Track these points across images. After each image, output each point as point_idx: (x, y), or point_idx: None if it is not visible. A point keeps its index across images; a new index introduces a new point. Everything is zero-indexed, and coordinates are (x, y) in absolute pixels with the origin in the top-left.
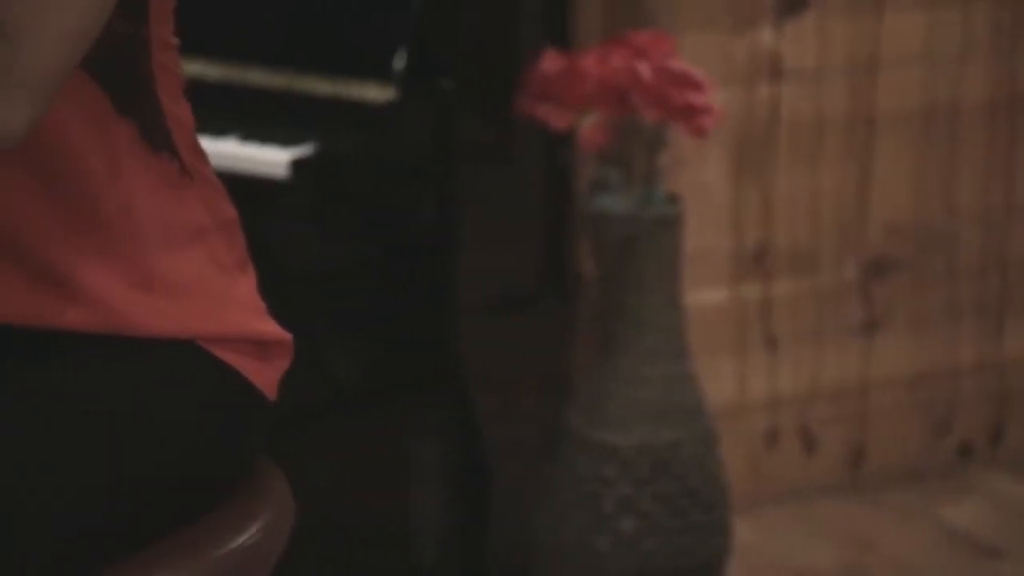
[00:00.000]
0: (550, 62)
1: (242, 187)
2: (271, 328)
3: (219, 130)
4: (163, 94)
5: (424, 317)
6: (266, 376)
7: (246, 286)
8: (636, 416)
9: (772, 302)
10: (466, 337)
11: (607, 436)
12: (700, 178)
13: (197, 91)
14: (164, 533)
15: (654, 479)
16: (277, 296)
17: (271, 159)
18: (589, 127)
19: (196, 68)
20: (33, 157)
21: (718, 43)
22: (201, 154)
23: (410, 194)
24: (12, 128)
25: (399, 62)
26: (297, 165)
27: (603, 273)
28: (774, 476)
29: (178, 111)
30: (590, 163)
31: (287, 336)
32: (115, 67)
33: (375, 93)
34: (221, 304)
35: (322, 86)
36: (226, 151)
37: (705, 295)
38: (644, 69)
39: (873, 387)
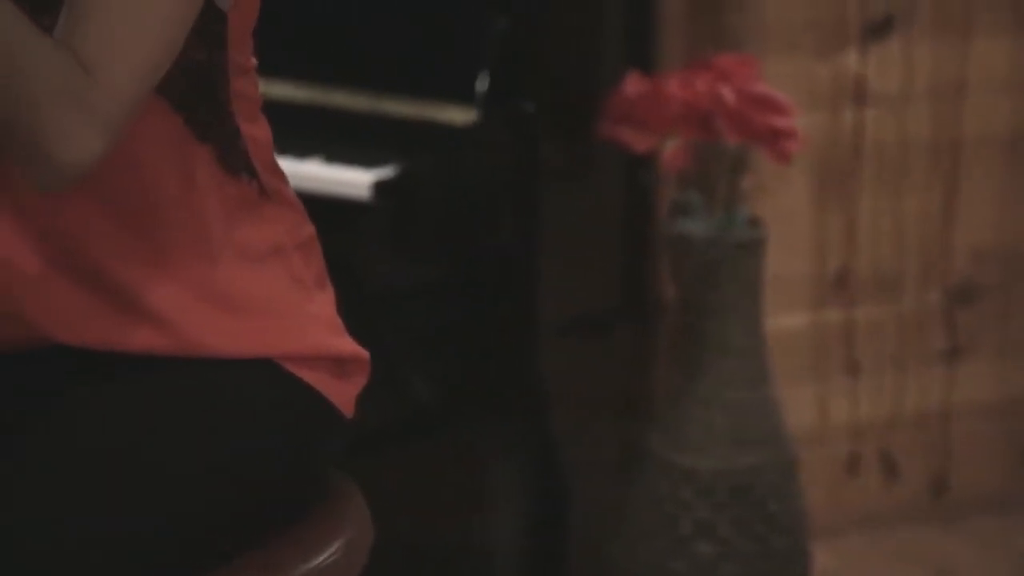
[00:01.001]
0: (633, 85)
1: (324, 208)
2: (349, 346)
3: (303, 152)
4: (240, 116)
5: (503, 338)
6: (343, 394)
7: (324, 303)
8: (715, 440)
9: (854, 327)
10: (545, 358)
11: (686, 459)
12: (782, 202)
13: (281, 113)
14: (243, 551)
15: (733, 503)
16: (356, 315)
17: (354, 180)
18: (671, 150)
19: (281, 90)
20: (108, 181)
21: (803, 67)
22: (279, 172)
23: (490, 216)
24: (86, 156)
25: (481, 85)
26: (379, 187)
27: (683, 296)
28: (855, 503)
29: (255, 131)
30: (671, 186)
31: (364, 354)
32: (193, 93)
33: (457, 115)
34: (298, 322)
35: (405, 108)
36: (309, 172)
37: (786, 319)
38: (728, 93)
39: (956, 414)
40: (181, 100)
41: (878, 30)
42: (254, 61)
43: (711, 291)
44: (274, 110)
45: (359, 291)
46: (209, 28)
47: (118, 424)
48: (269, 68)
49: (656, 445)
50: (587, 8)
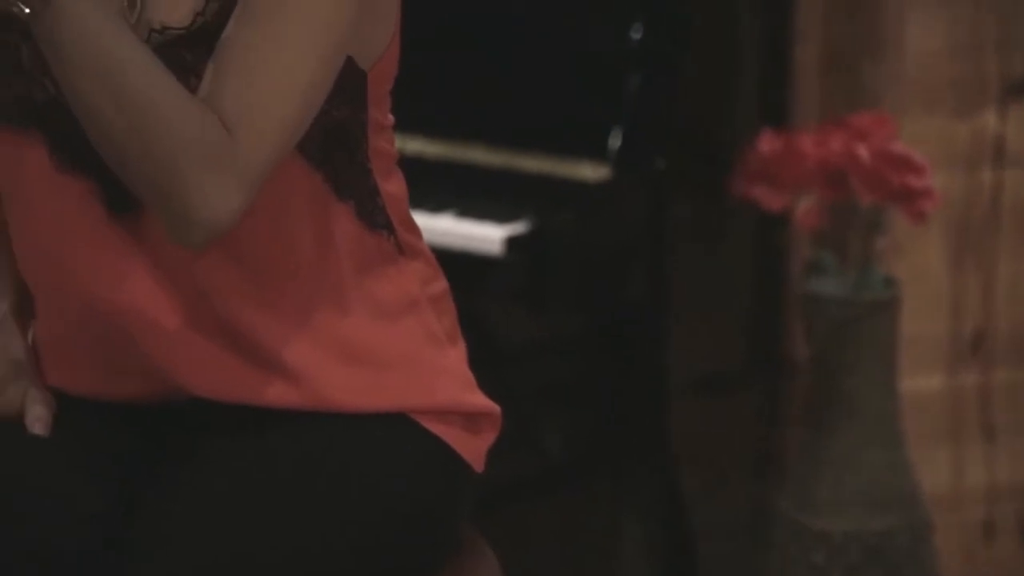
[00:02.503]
0: (767, 143)
1: (456, 262)
2: (480, 400)
3: (436, 206)
4: (378, 173)
5: (633, 394)
6: (474, 448)
7: (456, 358)
8: (848, 502)
9: (991, 390)
10: (674, 415)
11: (817, 521)
12: (918, 262)
13: (415, 167)
14: None
15: (865, 567)
16: (488, 369)
17: (486, 236)
18: (805, 209)
19: (415, 145)
20: (246, 237)
21: (940, 126)
22: (414, 228)
23: (621, 272)
24: (224, 215)
25: (614, 141)
26: (511, 242)
27: (816, 355)
28: (990, 568)
29: (392, 187)
30: (804, 244)
31: (496, 409)
32: (333, 151)
33: (590, 172)
34: (431, 375)
35: (538, 164)
36: (442, 227)
37: (921, 381)
38: (863, 152)
39: None
40: (321, 158)
41: (1018, 90)
42: (391, 118)
43: (844, 351)
44: (408, 164)
45: (490, 346)
46: (349, 87)
47: (252, 480)
48: (403, 123)
49: (787, 506)
50: (721, 65)
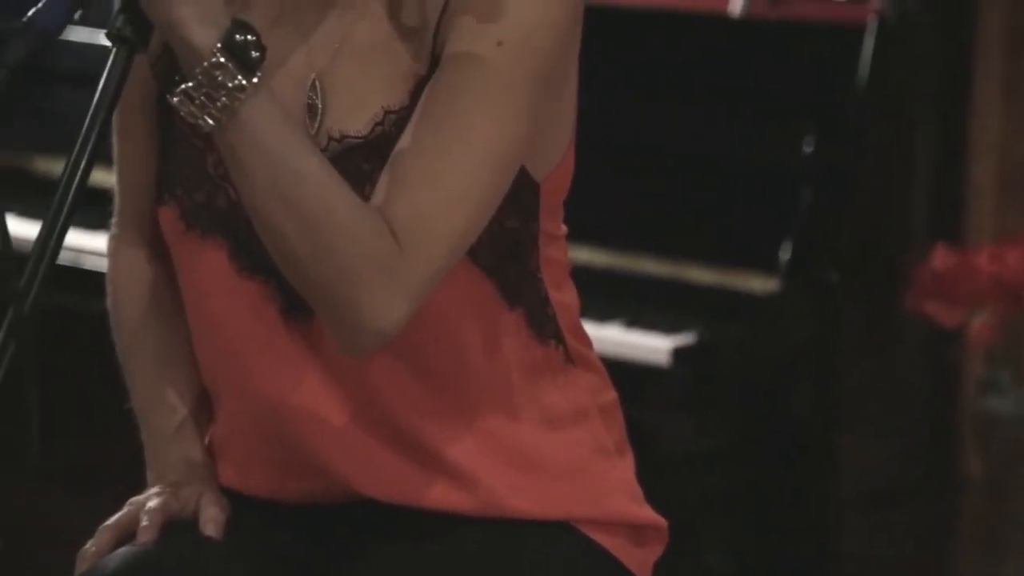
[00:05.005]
0: (941, 258)
1: (623, 372)
2: (647, 513)
3: (604, 315)
4: (549, 282)
5: (800, 508)
6: (640, 561)
7: (625, 470)
8: None
9: None
10: (844, 530)
11: None
12: None
13: (584, 277)
14: None
15: None
16: (652, 481)
17: (653, 346)
18: (979, 325)
19: (583, 254)
20: (417, 343)
21: None
22: (584, 337)
23: (790, 385)
24: (389, 324)
25: (784, 253)
26: (678, 353)
27: (990, 474)
28: None
29: (563, 297)
30: (978, 360)
31: (662, 522)
32: (505, 260)
33: (759, 284)
34: (600, 487)
35: (706, 275)
36: (610, 336)
37: None
38: None
39: None
40: (493, 266)
41: None
42: (564, 228)
43: (1020, 470)
44: (576, 273)
45: (655, 457)
46: (523, 197)
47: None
48: (571, 232)
49: None
50: (895, 178)
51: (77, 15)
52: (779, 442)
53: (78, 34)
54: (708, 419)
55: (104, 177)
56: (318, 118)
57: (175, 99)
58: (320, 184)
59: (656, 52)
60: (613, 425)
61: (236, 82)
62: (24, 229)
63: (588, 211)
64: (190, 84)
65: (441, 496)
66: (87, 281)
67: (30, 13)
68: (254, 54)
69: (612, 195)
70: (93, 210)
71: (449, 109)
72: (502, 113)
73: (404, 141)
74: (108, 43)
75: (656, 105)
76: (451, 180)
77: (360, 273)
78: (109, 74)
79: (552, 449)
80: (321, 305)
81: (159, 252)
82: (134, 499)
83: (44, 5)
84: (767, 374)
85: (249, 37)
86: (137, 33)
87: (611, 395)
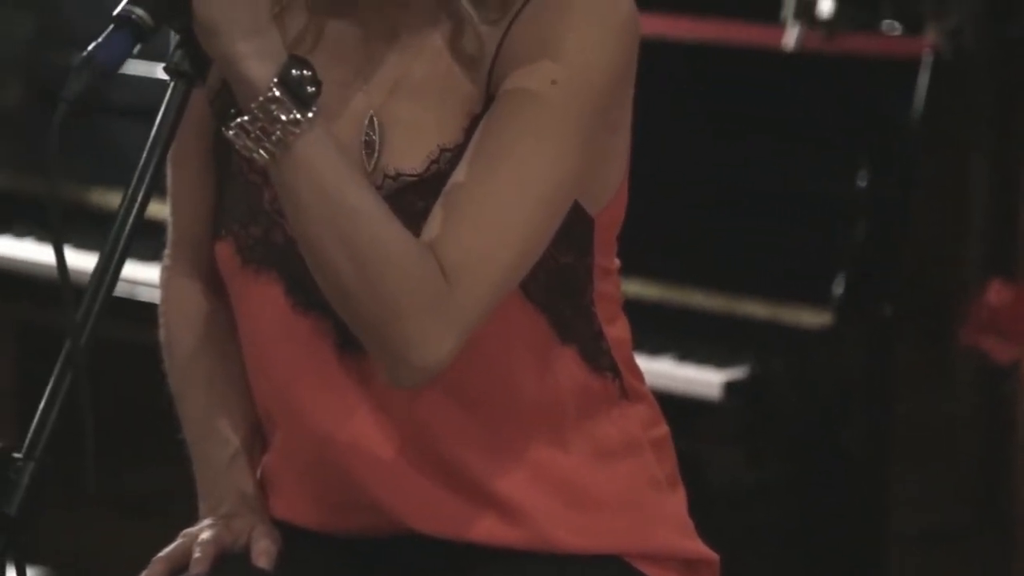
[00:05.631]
0: (996, 293)
1: (674, 405)
2: (699, 547)
3: (655, 349)
4: (603, 317)
5: (853, 544)
6: None
7: (676, 503)
8: None
9: None
10: (896, 567)
11: None
12: None
13: (635, 310)
14: None
15: None
16: (702, 515)
17: (705, 380)
18: None
19: (634, 288)
20: (468, 378)
21: None
22: (637, 371)
23: (842, 420)
24: (436, 359)
25: (837, 287)
26: (730, 387)
27: None
28: None
29: (616, 331)
30: None
31: (714, 557)
32: (558, 295)
33: (811, 317)
34: (651, 520)
35: (758, 309)
36: (661, 370)
37: None
38: None
39: None
40: (546, 302)
41: None
42: (617, 263)
43: None
44: (627, 306)
45: (705, 491)
46: (576, 232)
47: None
48: (623, 265)
49: None
50: (949, 212)
51: (136, 50)
52: (831, 477)
53: (135, 67)
54: (760, 453)
55: (158, 209)
56: (375, 155)
57: (231, 132)
58: (372, 219)
59: (710, 85)
60: (665, 458)
61: (291, 116)
62: (81, 261)
63: (640, 244)
64: (246, 118)
65: (490, 530)
66: (141, 312)
67: (89, 48)
68: (310, 89)
69: (664, 228)
70: (147, 242)
71: (502, 146)
72: (555, 151)
73: (456, 177)
74: (165, 77)
75: (709, 138)
76: (502, 217)
77: (409, 308)
78: (167, 108)
79: (603, 482)
80: (369, 338)
81: (211, 284)
82: (187, 531)
83: (104, 40)
84: (819, 408)
85: (305, 72)
86: (195, 67)
87: (663, 428)
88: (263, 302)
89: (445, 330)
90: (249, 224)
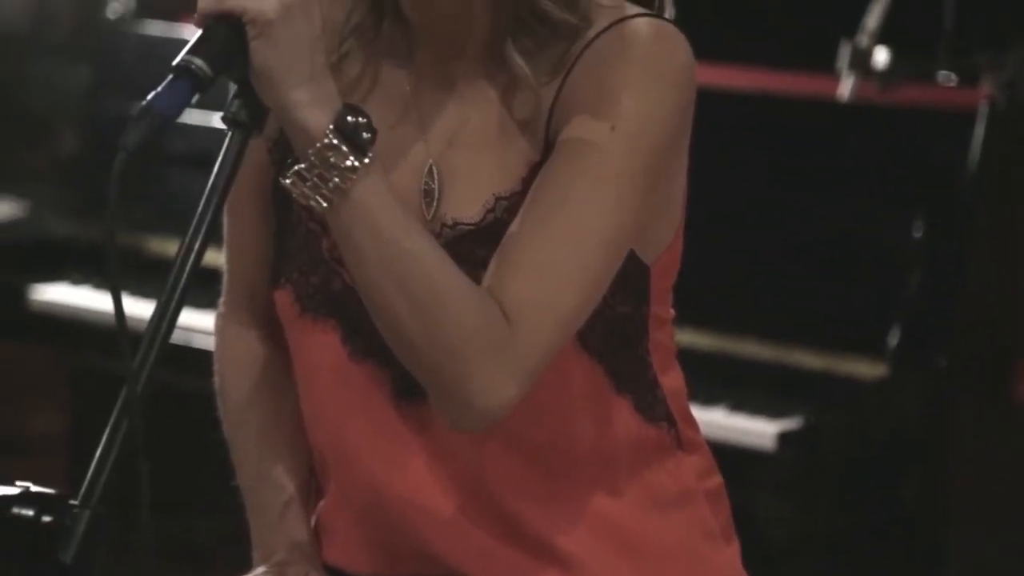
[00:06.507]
0: None
1: (727, 455)
2: None
3: (708, 399)
4: (658, 366)
5: None
6: None
7: (731, 555)
8: None
9: None
10: None
11: None
12: None
13: (688, 359)
14: None
15: None
16: (758, 567)
17: (758, 430)
18: None
19: (688, 337)
20: (525, 427)
21: None
22: (692, 421)
23: (897, 473)
24: (500, 403)
25: (893, 338)
26: (784, 438)
27: None
28: None
29: (671, 380)
30: None
31: None
32: (614, 344)
33: (866, 369)
34: (705, 571)
35: (812, 359)
36: (714, 420)
37: None
38: None
39: None
40: (602, 351)
41: None
42: (672, 312)
43: None
44: (680, 355)
45: (759, 542)
46: (632, 281)
47: None
48: (678, 314)
49: None
50: (1005, 263)
51: (194, 99)
52: (886, 532)
53: (192, 117)
54: (814, 506)
55: (213, 257)
56: (434, 204)
57: (288, 181)
58: (431, 264)
59: (766, 135)
60: (720, 510)
61: (348, 163)
62: (137, 308)
63: (694, 293)
64: (303, 165)
65: None
66: (196, 359)
67: (148, 97)
68: (365, 135)
69: (718, 277)
70: (202, 289)
71: (561, 194)
72: (614, 199)
73: (516, 225)
74: (222, 126)
75: (765, 188)
76: (562, 265)
77: (470, 351)
78: (224, 158)
79: (659, 532)
80: (432, 383)
81: (266, 331)
82: None
83: (163, 90)
84: (875, 461)
85: (360, 119)
86: (252, 117)
87: (717, 479)
88: (320, 350)
89: (509, 373)
90: (308, 272)
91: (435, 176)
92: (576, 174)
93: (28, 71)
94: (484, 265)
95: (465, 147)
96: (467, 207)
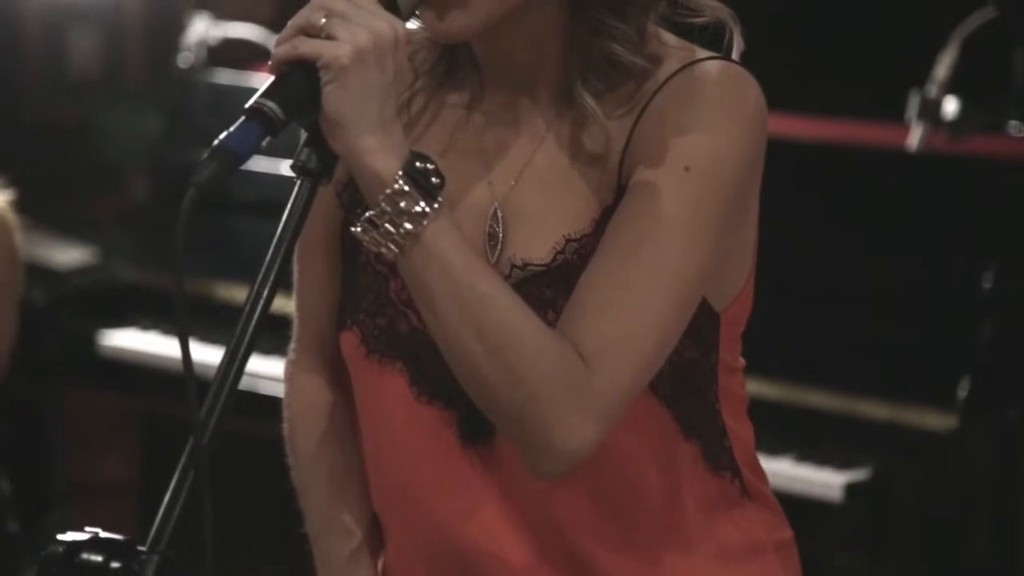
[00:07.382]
0: None
1: (793, 506)
2: None
3: (775, 449)
4: (727, 415)
5: None
6: None
7: None
8: None
9: None
10: None
11: None
12: None
13: (755, 409)
14: None
15: None
16: None
17: (825, 481)
18: None
19: (754, 387)
20: (596, 471)
21: None
22: (760, 472)
23: (968, 526)
24: (580, 445)
25: (962, 390)
26: (851, 489)
27: None
28: None
29: (740, 430)
30: None
31: None
32: (683, 391)
33: (935, 420)
34: None
35: (880, 410)
36: (781, 470)
37: None
38: None
39: None
40: (671, 397)
41: None
42: (743, 361)
43: None
44: (749, 405)
45: None
46: (702, 328)
47: None
48: (746, 364)
49: None
50: None
51: (265, 142)
52: None
53: (259, 164)
54: (882, 559)
55: (280, 304)
56: (498, 247)
57: (358, 228)
58: (505, 306)
59: (835, 185)
60: (789, 564)
61: (419, 208)
62: (205, 354)
63: (761, 342)
64: (373, 212)
65: None
66: (264, 406)
67: (220, 137)
68: (435, 180)
69: (786, 327)
70: (268, 335)
71: (637, 236)
72: (689, 242)
73: (592, 267)
74: (290, 173)
75: (834, 237)
76: (640, 306)
77: (551, 394)
78: (293, 205)
79: None
80: (511, 427)
81: (336, 378)
82: None
83: (235, 130)
84: (944, 514)
85: (428, 165)
86: (321, 165)
87: (787, 533)
88: (387, 392)
89: (588, 416)
90: (375, 314)
91: (500, 220)
92: (651, 215)
93: (100, 119)
94: (552, 305)
95: (531, 188)
96: (535, 249)
